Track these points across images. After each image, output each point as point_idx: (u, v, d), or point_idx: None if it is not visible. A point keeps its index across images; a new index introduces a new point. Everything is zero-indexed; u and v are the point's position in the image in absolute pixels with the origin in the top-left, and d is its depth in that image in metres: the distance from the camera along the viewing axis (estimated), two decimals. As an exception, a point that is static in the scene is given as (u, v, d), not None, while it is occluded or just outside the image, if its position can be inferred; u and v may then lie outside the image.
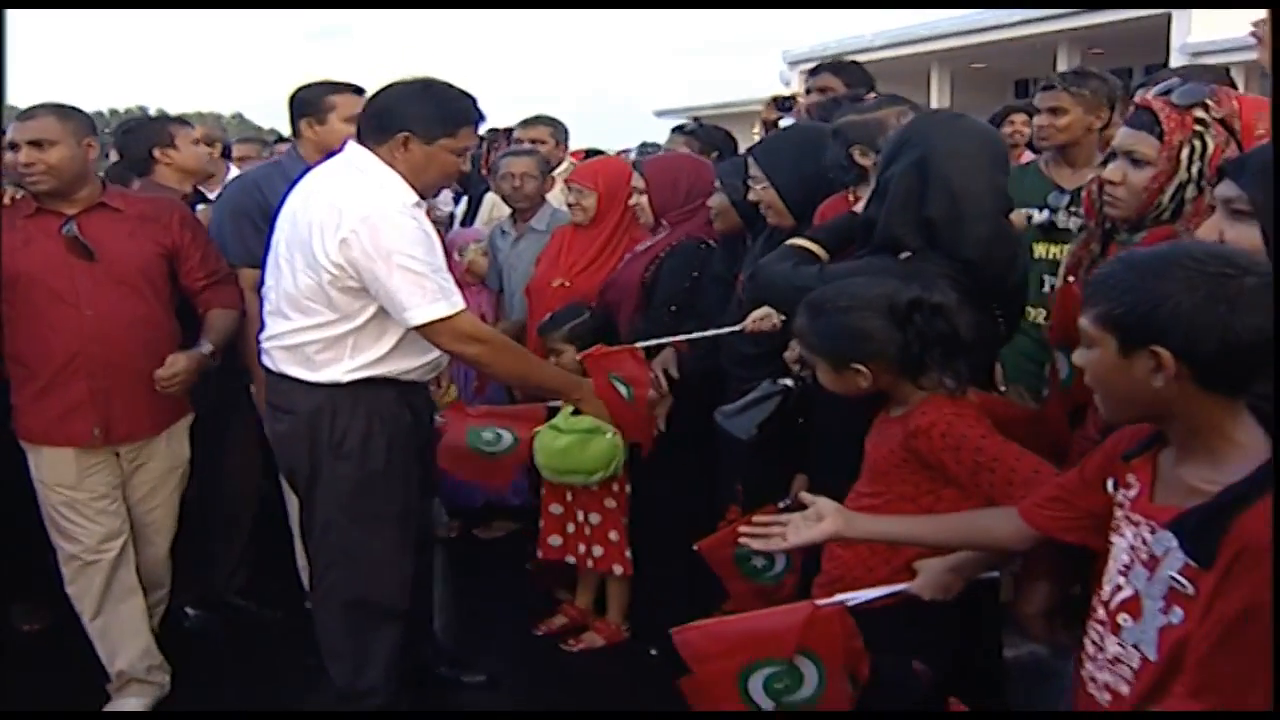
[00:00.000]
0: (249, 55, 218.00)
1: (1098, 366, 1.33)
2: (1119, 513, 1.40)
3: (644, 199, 3.16)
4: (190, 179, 3.63)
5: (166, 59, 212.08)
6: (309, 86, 3.23)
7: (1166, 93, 1.90)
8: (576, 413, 2.95)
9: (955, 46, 16.27)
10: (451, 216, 5.38)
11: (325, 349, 2.48)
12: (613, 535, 3.21)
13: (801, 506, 2.23)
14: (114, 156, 3.90)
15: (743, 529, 1.83)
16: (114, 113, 59.65)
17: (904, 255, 2.06)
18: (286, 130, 3.58)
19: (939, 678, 1.88)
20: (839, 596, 1.83)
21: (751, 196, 2.69)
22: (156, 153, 3.51)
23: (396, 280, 2.36)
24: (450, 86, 2.51)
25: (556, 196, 4.15)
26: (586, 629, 3.34)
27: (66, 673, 3.08)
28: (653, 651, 3.14)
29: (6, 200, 2.78)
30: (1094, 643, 1.40)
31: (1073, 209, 2.95)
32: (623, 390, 2.78)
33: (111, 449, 2.86)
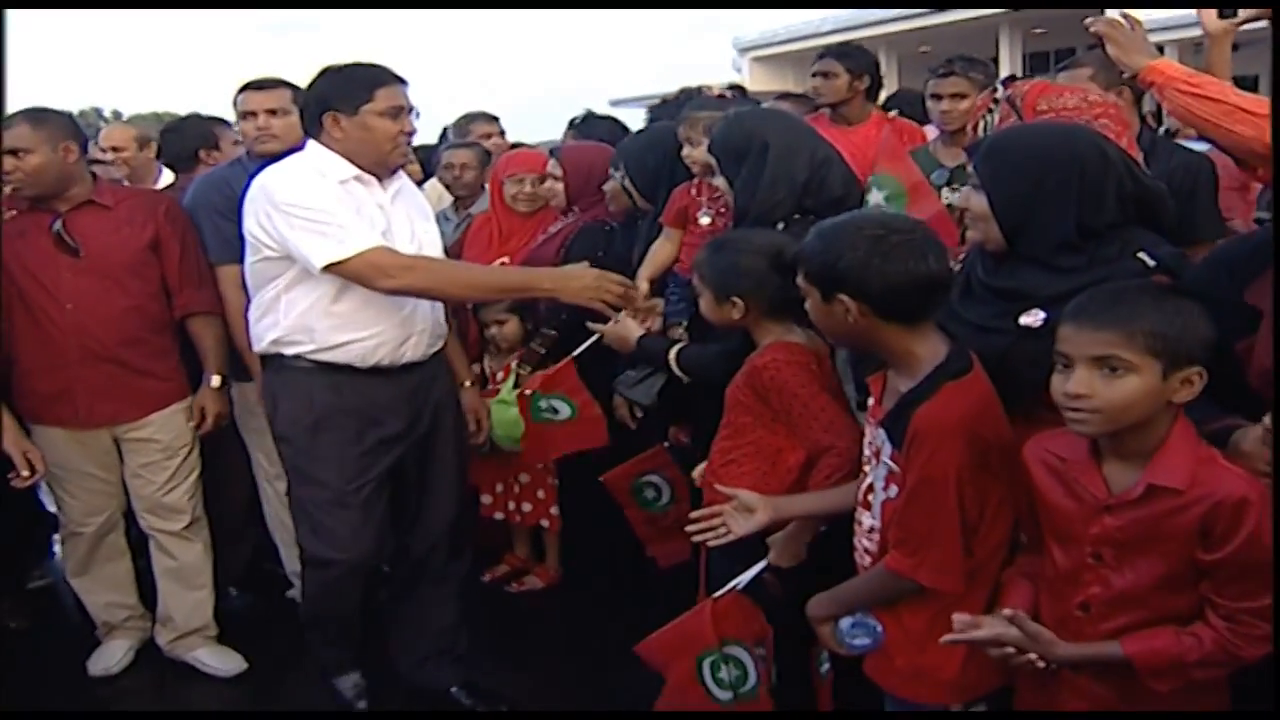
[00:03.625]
0: (202, 51, 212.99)
1: (812, 313, 1.74)
2: (867, 419, 1.81)
3: (559, 185, 3.39)
4: None
5: (116, 58, 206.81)
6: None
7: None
8: (516, 385, 3.21)
9: (902, 30, 16.75)
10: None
11: (260, 318, 2.66)
12: (540, 494, 3.54)
13: (682, 445, 2.65)
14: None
15: (690, 529, 2.07)
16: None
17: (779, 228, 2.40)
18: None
19: (790, 587, 2.14)
20: (727, 586, 2.08)
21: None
22: (202, 153, 3.56)
23: (296, 232, 2.45)
24: (356, 61, 2.61)
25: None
26: (528, 574, 3.69)
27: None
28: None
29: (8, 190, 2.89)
30: (857, 520, 1.82)
31: (954, 185, 3.18)
32: (566, 409, 2.93)
33: (106, 430, 3.01)
